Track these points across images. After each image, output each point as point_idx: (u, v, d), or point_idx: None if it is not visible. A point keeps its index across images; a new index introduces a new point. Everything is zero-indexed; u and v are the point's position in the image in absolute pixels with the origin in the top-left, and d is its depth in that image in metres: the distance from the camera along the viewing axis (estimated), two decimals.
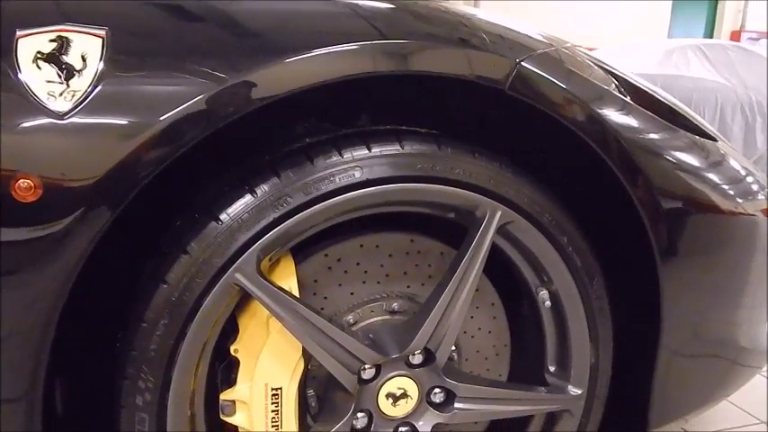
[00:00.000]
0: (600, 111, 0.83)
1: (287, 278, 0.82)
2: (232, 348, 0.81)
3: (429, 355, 0.86)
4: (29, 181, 0.61)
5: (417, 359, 0.86)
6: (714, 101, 4.60)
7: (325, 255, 0.88)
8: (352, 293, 0.89)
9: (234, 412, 0.81)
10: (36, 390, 0.67)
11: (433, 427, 0.87)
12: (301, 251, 0.86)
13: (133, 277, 0.80)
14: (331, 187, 0.73)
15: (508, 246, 0.90)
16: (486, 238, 0.82)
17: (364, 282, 0.90)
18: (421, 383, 0.86)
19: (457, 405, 0.88)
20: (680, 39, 5.69)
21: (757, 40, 8.77)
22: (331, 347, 0.78)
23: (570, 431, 0.97)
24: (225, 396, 0.81)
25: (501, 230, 0.85)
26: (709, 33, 8.99)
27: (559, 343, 0.95)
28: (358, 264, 0.89)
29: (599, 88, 0.86)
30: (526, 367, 1.02)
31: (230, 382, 0.83)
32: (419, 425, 0.86)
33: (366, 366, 0.82)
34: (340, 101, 0.86)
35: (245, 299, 0.81)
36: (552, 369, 0.97)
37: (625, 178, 0.87)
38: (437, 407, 0.88)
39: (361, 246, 0.89)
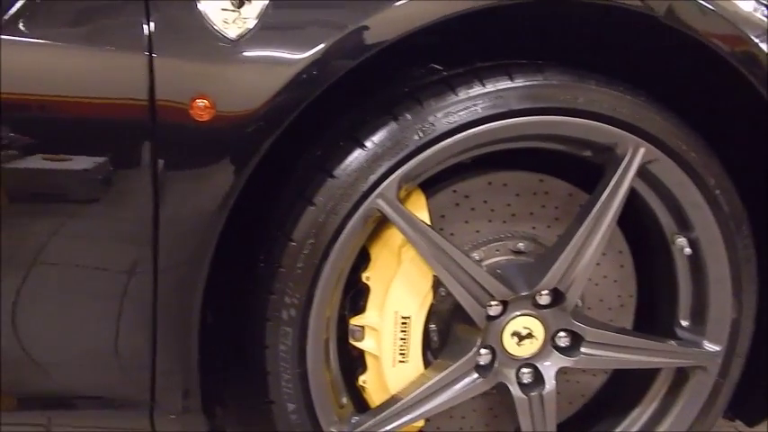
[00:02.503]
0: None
1: (419, 211, 0.93)
2: (364, 276, 0.94)
3: (557, 297, 0.95)
4: (205, 101, 0.76)
5: (545, 300, 0.95)
6: None
7: (454, 191, 0.98)
8: (477, 231, 1.00)
9: (363, 337, 0.95)
10: (197, 296, 0.84)
11: (556, 371, 0.97)
12: (430, 186, 0.98)
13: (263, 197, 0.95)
14: (473, 117, 0.84)
15: (645, 187, 0.97)
16: (626, 177, 0.89)
17: (490, 220, 1.00)
18: (547, 324, 0.96)
19: (583, 350, 0.97)
20: None
21: None
22: (463, 278, 0.89)
23: (704, 390, 1.04)
24: (355, 321, 0.95)
25: (640, 170, 0.92)
26: None
27: (696, 295, 1.02)
28: (485, 201, 1.00)
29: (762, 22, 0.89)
30: (653, 320, 1.10)
31: (358, 309, 0.97)
32: (543, 366, 0.97)
33: (493, 303, 0.93)
34: (469, 41, 0.95)
35: (376, 229, 0.94)
36: (685, 323, 1.04)
37: None
38: (562, 350, 0.98)
39: (490, 183, 0.99)
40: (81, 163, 0.78)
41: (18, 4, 0.78)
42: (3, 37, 0.76)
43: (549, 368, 0.97)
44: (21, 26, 0.77)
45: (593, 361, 0.98)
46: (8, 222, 0.81)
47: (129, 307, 0.86)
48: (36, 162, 0.78)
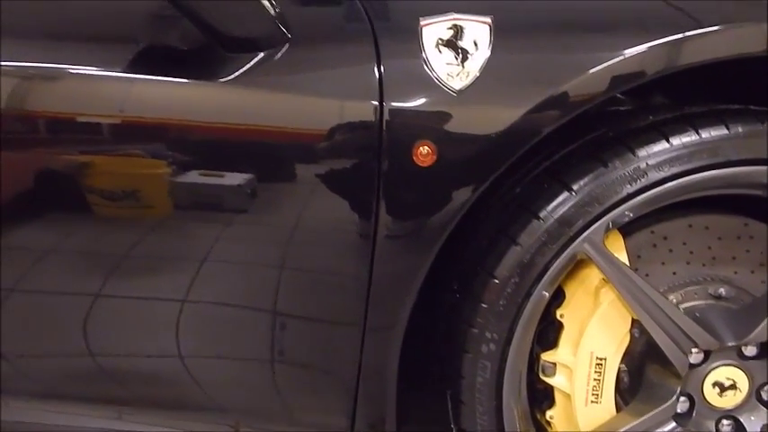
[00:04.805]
0: None
1: (617, 251, 0.99)
2: (558, 313, 1.01)
3: (766, 349, 0.97)
4: (428, 147, 0.87)
5: (751, 351, 0.97)
6: None
7: (652, 232, 1.03)
8: (674, 273, 1.03)
9: (554, 373, 1.02)
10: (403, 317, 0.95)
11: (762, 426, 0.99)
12: (627, 226, 1.03)
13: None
14: (687, 167, 0.89)
15: None
16: None
17: (688, 263, 1.03)
18: (753, 377, 0.98)
19: None
20: None
21: None
22: (667, 325, 0.94)
23: None
24: (547, 357, 1.02)
25: None
26: None
27: None
28: (684, 243, 1.03)
29: None
30: None
31: (547, 344, 1.04)
32: (748, 420, 0.99)
33: (695, 350, 0.97)
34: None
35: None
36: None
37: None
38: None
39: (690, 226, 1.02)
40: (310, 193, 0.92)
41: (256, 59, 0.94)
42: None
43: (754, 423, 0.98)
44: (260, 76, 0.93)
45: None
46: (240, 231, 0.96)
47: (341, 329, 1.00)
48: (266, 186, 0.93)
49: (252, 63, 0.92)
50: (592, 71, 0.86)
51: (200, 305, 0.99)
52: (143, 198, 0.94)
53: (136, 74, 0.92)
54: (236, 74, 0.91)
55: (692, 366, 0.97)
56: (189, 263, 0.98)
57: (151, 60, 0.94)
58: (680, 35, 0.86)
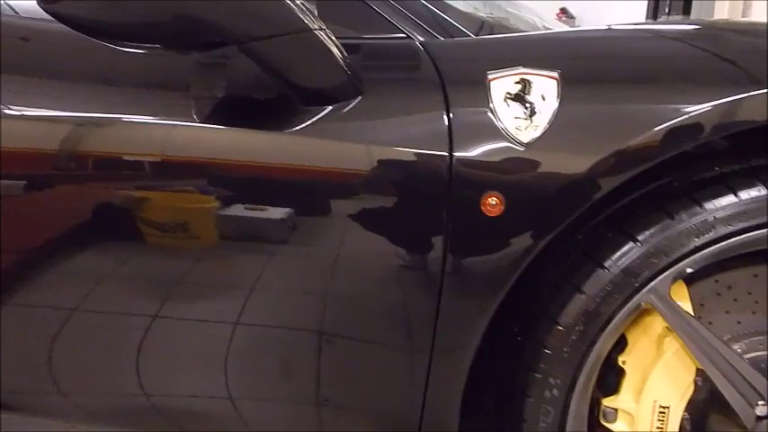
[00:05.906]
0: None
1: (681, 300, 1.00)
2: (620, 359, 1.03)
3: None
4: (496, 198, 0.91)
5: None
6: None
7: (716, 281, 1.04)
8: (739, 322, 1.04)
9: (615, 419, 1.04)
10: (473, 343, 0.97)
11: None
12: (691, 274, 1.04)
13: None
14: (754, 222, 0.90)
15: None
16: None
17: (754, 312, 1.03)
18: None
19: None
20: None
21: None
22: (732, 376, 0.95)
23: None
24: (609, 403, 1.04)
25: None
26: None
27: None
28: (749, 293, 1.03)
29: None
30: None
31: (608, 389, 1.06)
32: None
33: (761, 402, 0.97)
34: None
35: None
36: None
37: None
38: None
39: (755, 276, 1.03)
40: (381, 235, 0.96)
41: (325, 111, 0.98)
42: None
43: None
44: (331, 127, 0.98)
45: None
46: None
47: (406, 369, 1.03)
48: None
49: (324, 113, 0.98)
50: (657, 128, 0.88)
51: (259, 331, 1.04)
52: (192, 231, 1.00)
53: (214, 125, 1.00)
54: (309, 123, 0.97)
55: (759, 419, 0.97)
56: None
57: (232, 112, 1.01)
58: (744, 95, 0.87)
